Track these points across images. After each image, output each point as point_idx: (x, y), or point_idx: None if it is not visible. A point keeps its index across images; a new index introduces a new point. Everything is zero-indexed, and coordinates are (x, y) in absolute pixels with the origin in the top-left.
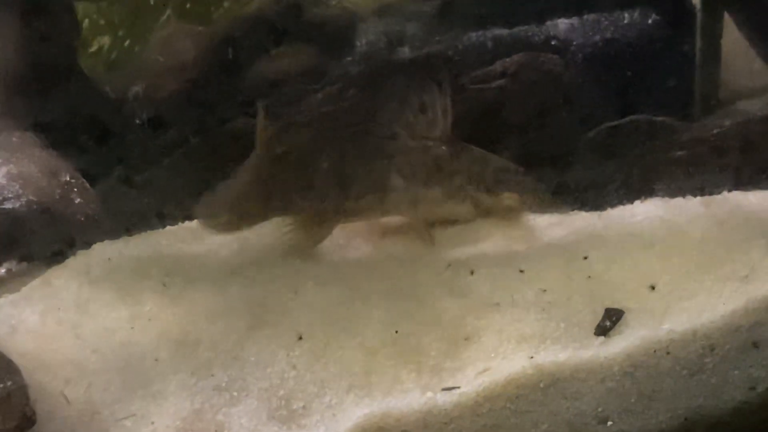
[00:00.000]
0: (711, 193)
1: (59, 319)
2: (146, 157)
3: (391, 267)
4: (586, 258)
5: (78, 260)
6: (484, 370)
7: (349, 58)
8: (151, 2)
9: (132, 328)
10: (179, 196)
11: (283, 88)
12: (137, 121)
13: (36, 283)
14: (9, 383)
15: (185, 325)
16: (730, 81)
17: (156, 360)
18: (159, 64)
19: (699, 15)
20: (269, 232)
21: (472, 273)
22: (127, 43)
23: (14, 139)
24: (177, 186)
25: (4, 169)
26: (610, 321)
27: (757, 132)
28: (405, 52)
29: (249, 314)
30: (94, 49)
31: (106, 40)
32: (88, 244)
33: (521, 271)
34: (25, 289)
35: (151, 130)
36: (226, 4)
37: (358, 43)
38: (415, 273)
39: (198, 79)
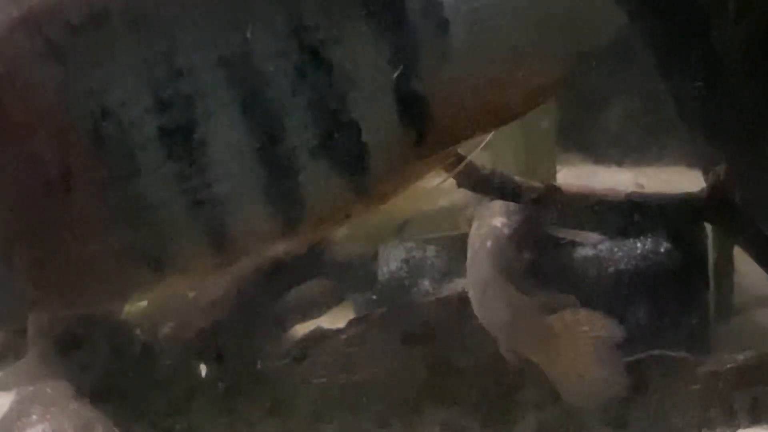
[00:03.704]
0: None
1: None
2: (177, 401)
3: None
4: None
5: None
6: None
7: (372, 294)
8: None
9: None
10: None
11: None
12: (167, 364)
13: None
14: None
15: None
16: (742, 289)
17: None
18: (187, 302)
19: (710, 241)
20: None
21: None
22: None
23: (48, 390)
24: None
25: (39, 428)
26: None
27: None
28: (426, 285)
29: None
30: None
31: None
32: None
33: None
34: None
35: (181, 373)
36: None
37: (380, 273)
38: None
39: (224, 317)
